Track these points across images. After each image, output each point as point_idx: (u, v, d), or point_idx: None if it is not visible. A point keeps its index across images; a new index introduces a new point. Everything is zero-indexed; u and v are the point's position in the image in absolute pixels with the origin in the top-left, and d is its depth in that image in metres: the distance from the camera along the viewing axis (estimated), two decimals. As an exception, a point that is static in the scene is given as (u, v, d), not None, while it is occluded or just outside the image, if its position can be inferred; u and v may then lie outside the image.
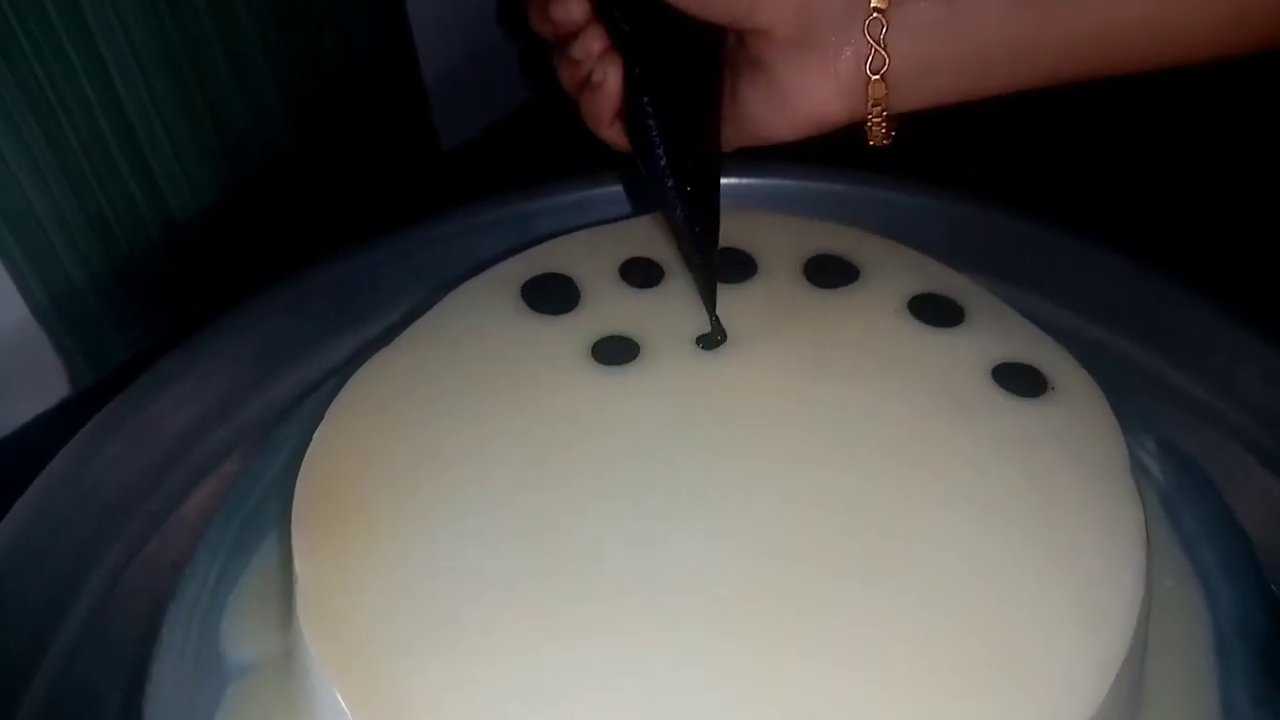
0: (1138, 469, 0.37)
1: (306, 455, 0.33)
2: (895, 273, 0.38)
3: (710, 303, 0.36)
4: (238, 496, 0.38)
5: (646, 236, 0.40)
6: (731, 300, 0.37)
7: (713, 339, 0.36)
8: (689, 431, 0.33)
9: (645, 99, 0.37)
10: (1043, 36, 0.34)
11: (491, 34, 0.61)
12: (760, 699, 0.27)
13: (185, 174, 0.49)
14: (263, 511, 0.37)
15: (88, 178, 0.46)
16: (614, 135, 0.41)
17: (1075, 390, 0.34)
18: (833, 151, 0.40)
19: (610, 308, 0.37)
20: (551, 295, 0.37)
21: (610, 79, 0.39)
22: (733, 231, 0.39)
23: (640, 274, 0.38)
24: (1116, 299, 0.43)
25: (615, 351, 0.35)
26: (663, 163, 0.36)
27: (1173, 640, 0.34)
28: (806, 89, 0.36)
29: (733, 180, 0.46)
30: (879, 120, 0.37)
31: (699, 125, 0.38)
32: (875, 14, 0.35)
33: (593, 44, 0.40)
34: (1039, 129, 0.53)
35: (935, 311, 0.37)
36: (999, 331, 0.36)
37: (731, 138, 0.39)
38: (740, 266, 0.38)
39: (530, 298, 0.37)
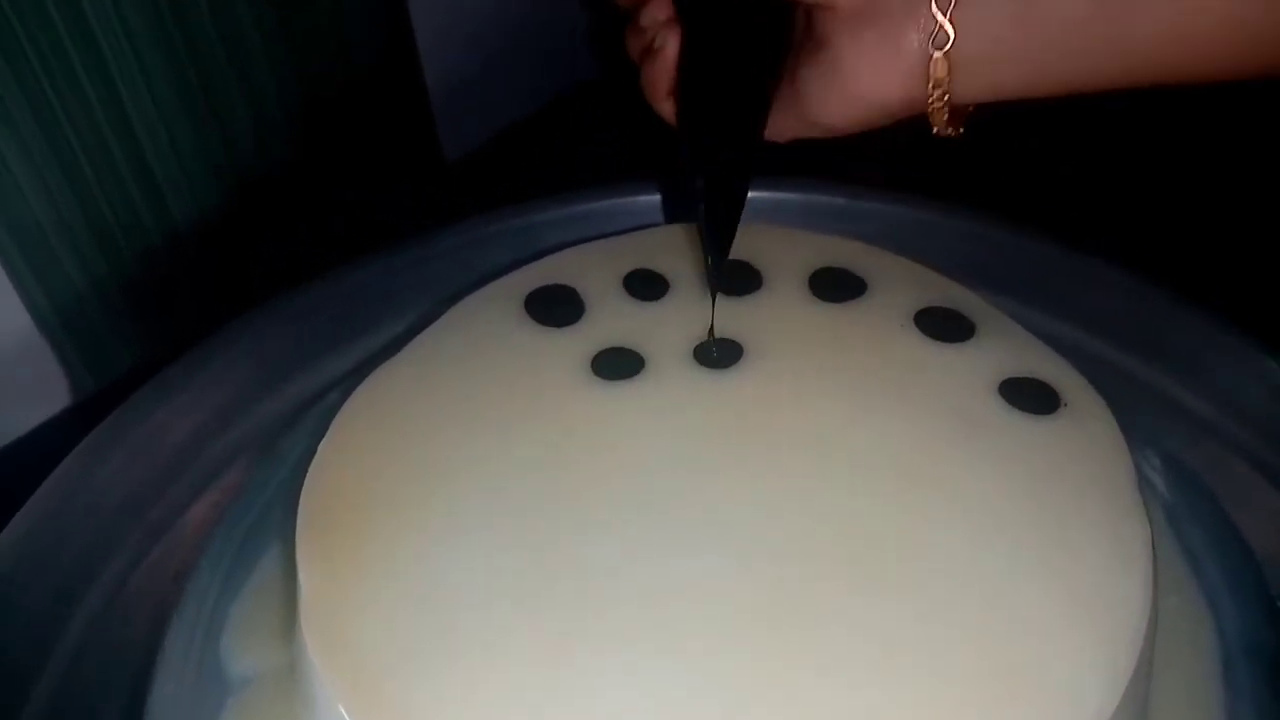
0: (1143, 484, 0.37)
1: (311, 467, 0.33)
2: (902, 287, 0.38)
3: (713, 292, 0.36)
4: (240, 508, 0.38)
5: (651, 249, 0.40)
6: (737, 313, 0.37)
7: (710, 352, 0.35)
8: (693, 444, 0.33)
9: (694, 75, 0.36)
10: (1119, 31, 0.33)
11: (494, 46, 0.61)
12: (765, 714, 0.27)
13: (189, 184, 0.49)
14: (265, 523, 0.37)
15: (91, 187, 0.46)
16: (669, 109, 0.40)
17: (1082, 406, 0.34)
18: (840, 166, 0.40)
19: (614, 320, 0.37)
20: (556, 308, 0.37)
21: (669, 46, 0.39)
22: (739, 244, 0.39)
23: (644, 286, 0.38)
24: (1121, 314, 0.43)
25: (619, 365, 0.35)
26: (696, 147, 0.36)
27: (1178, 657, 0.34)
28: (866, 66, 0.35)
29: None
30: (940, 105, 0.35)
31: (743, 107, 0.37)
32: None
33: (659, 11, 0.40)
34: (1044, 143, 0.53)
35: (941, 326, 0.37)
36: (1005, 347, 0.36)
37: (788, 126, 0.38)
38: (746, 279, 0.38)
39: (534, 310, 0.37)
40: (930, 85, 0.35)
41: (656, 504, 0.31)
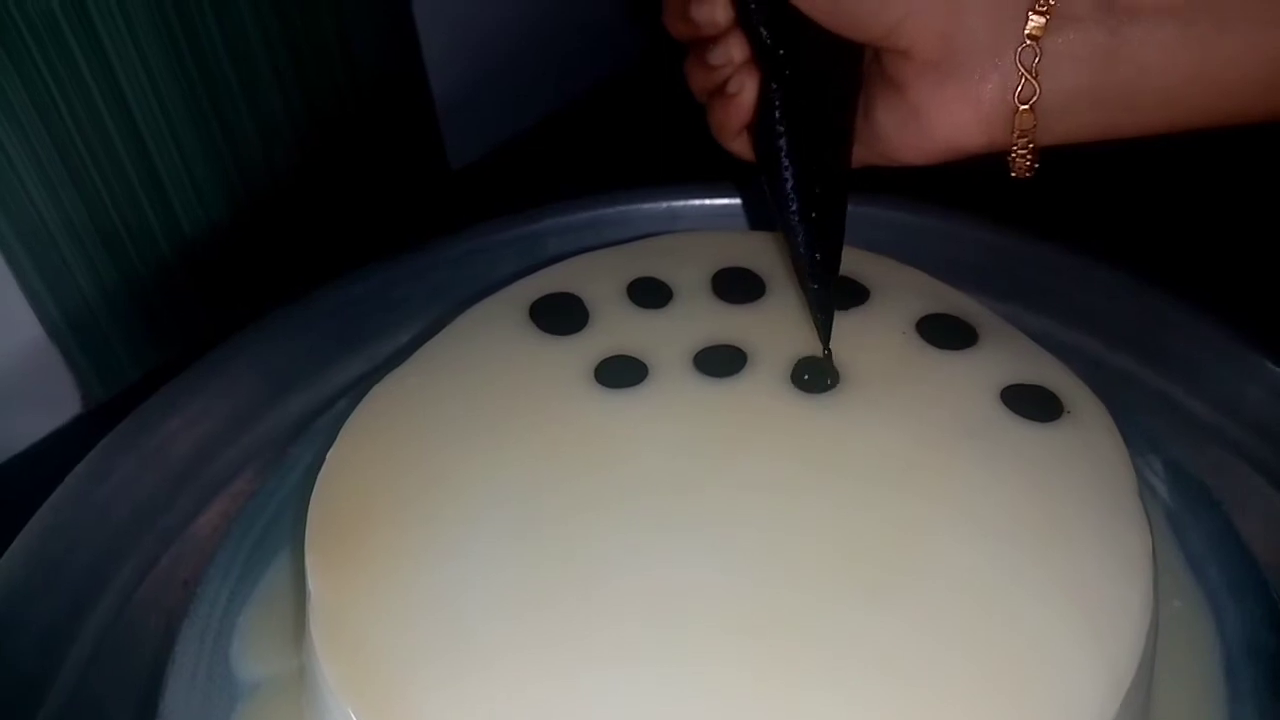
0: (1144, 489, 0.37)
1: (320, 475, 0.33)
2: (904, 294, 0.38)
3: (825, 334, 0.36)
4: (249, 515, 0.38)
5: (654, 257, 0.40)
6: (739, 321, 0.37)
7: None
8: (696, 452, 0.33)
9: (779, 118, 0.36)
10: (1211, 71, 0.32)
11: (499, 56, 0.61)
12: (770, 721, 0.27)
13: (198, 194, 0.50)
14: (274, 531, 0.37)
15: (102, 198, 0.46)
16: (740, 147, 0.40)
17: (1083, 413, 0.35)
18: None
19: (618, 328, 0.37)
20: (560, 316, 0.37)
21: (747, 91, 0.38)
22: (740, 252, 0.40)
23: (648, 294, 0.38)
24: (1122, 318, 0.43)
25: (623, 373, 0.35)
26: (789, 186, 0.36)
27: (1181, 661, 0.34)
28: (945, 116, 0.35)
29: (739, 201, 0.46)
30: (1024, 153, 0.35)
31: (831, 149, 0.37)
32: (1029, 42, 0.33)
33: (734, 51, 0.38)
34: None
35: (944, 333, 0.37)
36: (1007, 354, 0.36)
37: (862, 156, 0.38)
38: (750, 287, 0.38)
39: (539, 318, 0.37)
40: (1015, 135, 0.34)
41: (660, 512, 0.31)
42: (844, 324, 0.37)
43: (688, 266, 0.39)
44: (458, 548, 0.31)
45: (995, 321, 0.38)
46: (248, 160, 0.51)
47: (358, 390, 0.38)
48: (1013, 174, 0.36)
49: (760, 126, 0.37)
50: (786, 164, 0.36)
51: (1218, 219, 0.54)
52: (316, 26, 0.51)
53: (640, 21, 0.66)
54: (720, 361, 0.36)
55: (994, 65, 0.34)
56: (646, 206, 0.47)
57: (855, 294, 0.38)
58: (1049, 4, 0.32)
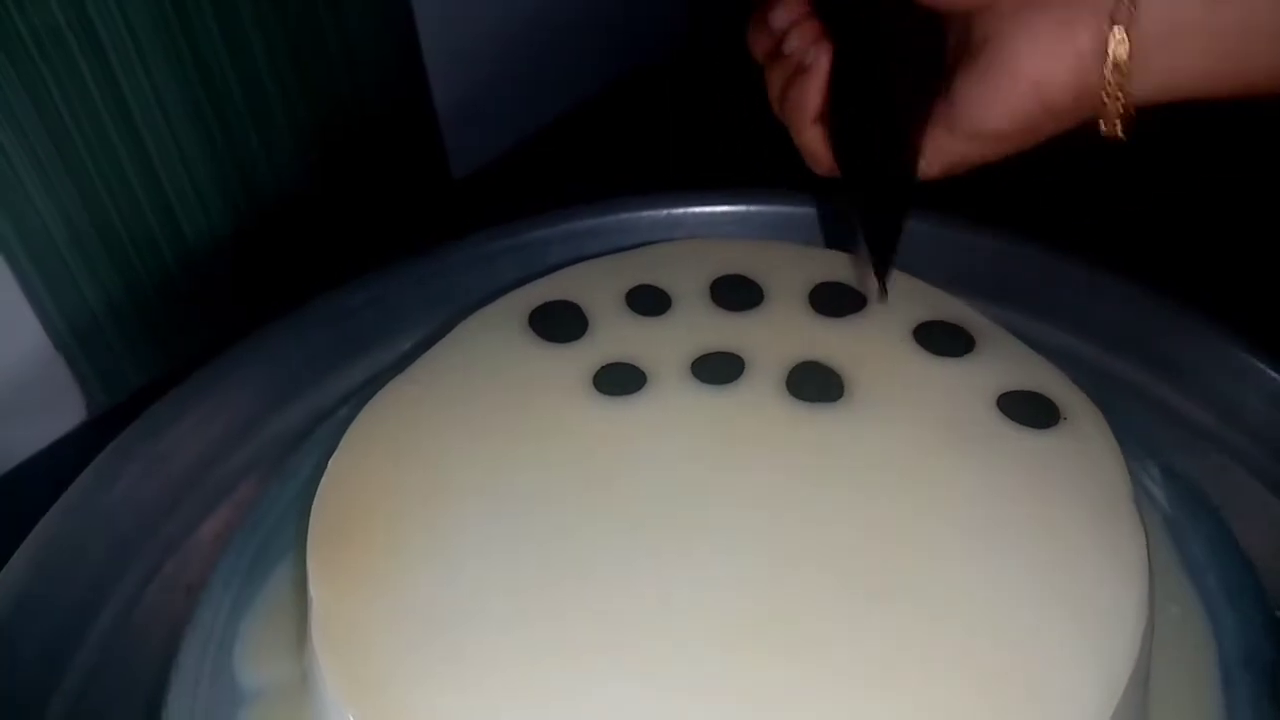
0: (1142, 495, 0.38)
1: (322, 482, 0.33)
2: (901, 301, 0.38)
3: (883, 271, 0.36)
4: (252, 522, 0.38)
5: (653, 265, 0.40)
6: (737, 328, 0.37)
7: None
8: (694, 459, 0.33)
9: (853, 93, 0.36)
10: None
11: (502, 64, 0.61)
12: (767, 726, 0.27)
13: (201, 203, 0.50)
14: (277, 537, 0.37)
15: (106, 207, 0.47)
16: (813, 138, 0.38)
17: (1079, 419, 0.35)
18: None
19: (617, 336, 0.37)
20: (560, 323, 0.38)
21: (821, 61, 0.37)
22: (739, 259, 0.40)
23: (647, 302, 0.39)
24: (1119, 323, 0.43)
25: (621, 380, 0.36)
26: (860, 158, 0.36)
27: (1178, 667, 0.34)
28: (1036, 51, 0.32)
29: (739, 208, 0.47)
30: (1115, 93, 0.32)
31: (903, 134, 0.36)
32: None
33: (807, 34, 0.38)
34: (1041, 150, 0.53)
35: (940, 340, 0.37)
36: (1003, 361, 0.37)
37: (943, 149, 0.36)
38: (747, 294, 0.39)
39: (539, 326, 0.38)
40: (1108, 69, 0.32)
41: (658, 519, 0.32)
42: (841, 331, 0.37)
43: (686, 274, 0.39)
44: (458, 555, 0.31)
45: (992, 328, 0.38)
46: (251, 170, 0.52)
47: (359, 398, 0.38)
48: (1103, 128, 0.34)
49: (834, 106, 0.37)
50: (859, 141, 0.35)
51: (1216, 223, 0.54)
52: (319, 35, 0.51)
53: (642, 30, 0.66)
54: (718, 369, 0.36)
55: (1091, 9, 0.32)
56: (647, 214, 0.47)
57: (852, 301, 0.38)
58: None
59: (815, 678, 0.28)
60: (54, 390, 0.48)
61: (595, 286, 0.39)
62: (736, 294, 0.38)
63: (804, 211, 0.46)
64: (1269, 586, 0.36)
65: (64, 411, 0.49)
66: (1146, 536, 0.32)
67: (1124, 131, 0.34)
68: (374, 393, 0.36)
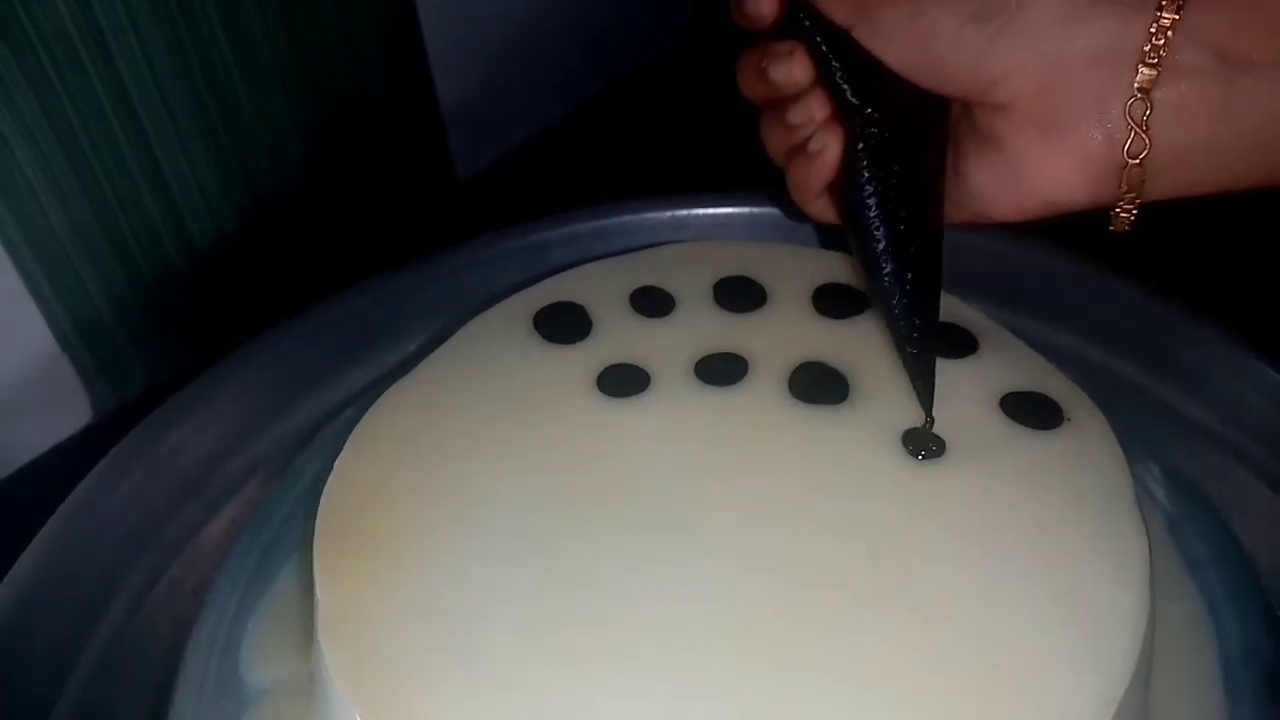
0: (1144, 495, 0.38)
1: (328, 483, 0.33)
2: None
3: (927, 402, 0.34)
4: (258, 523, 0.38)
5: (656, 266, 0.40)
6: (741, 329, 0.37)
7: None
8: (697, 460, 0.33)
9: (868, 177, 0.35)
10: None
11: (506, 65, 0.62)
12: (770, 726, 0.28)
13: (206, 204, 0.50)
14: (282, 538, 0.37)
15: (112, 208, 0.47)
16: (820, 208, 0.38)
17: (1081, 421, 0.35)
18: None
19: (621, 337, 0.37)
20: (564, 325, 0.38)
21: (830, 150, 0.37)
22: (743, 260, 0.40)
23: (650, 303, 0.39)
24: (1122, 324, 0.43)
25: (625, 381, 0.36)
26: (882, 247, 0.35)
27: (1180, 666, 0.34)
28: (1048, 172, 0.34)
29: (741, 209, 0.47)
30: (1128, 208, 0.34)
31: (923, 207, 0.36)
32: (1138, 95, 0.32)
33: (815, 109, 0.37)
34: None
35: (944, 341, 0.37)
36: (1007, 362, 0.37)
37: (952, 215, 0.37)
38: (750, 296, 0.39)
39: (543, 327, 0.38)
40: (1122, 190, 0.33)
41: (662, 520, 0.32)
42: (843, 333, 0.37)
43: (690, 275, 0.39)
44: (464, 555, 0.31)
45: (995, 329, 0.38)
46: (256, 171, 0.52)
47: (365, 399, 0.38)
48: (1111, 228, 0.35)
49: (847, 186, 0.36)
50: (878, 224, 0.35)
51: (1217, 224, 0.54)
52: (323, 36, 0.52)
53: (647, 30, 0.66)
54: (722, 370, 0.36)
55: (1101, 119, 0.32)
56: (650, 216, 0.47)
57: (855, 303, 0.38)
58: (1159, 56, 0.31)
59: (817, 679, 0.28)
60: (60, 391, 0.49)
61: (599, 288, 0.39)
62: (739, 295, 0.39)
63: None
64: (1270, 586, 0.36)
65: (70, 412, 0.49)
66: (1149, 538, 0.32)
67: (1129, 228, 0.35)
68: (379, 394, 0.36)
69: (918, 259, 0.35)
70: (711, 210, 0.47)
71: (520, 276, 0.43)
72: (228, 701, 0.34)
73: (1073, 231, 0.46)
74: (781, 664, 0.29)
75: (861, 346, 0.37)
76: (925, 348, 0.35)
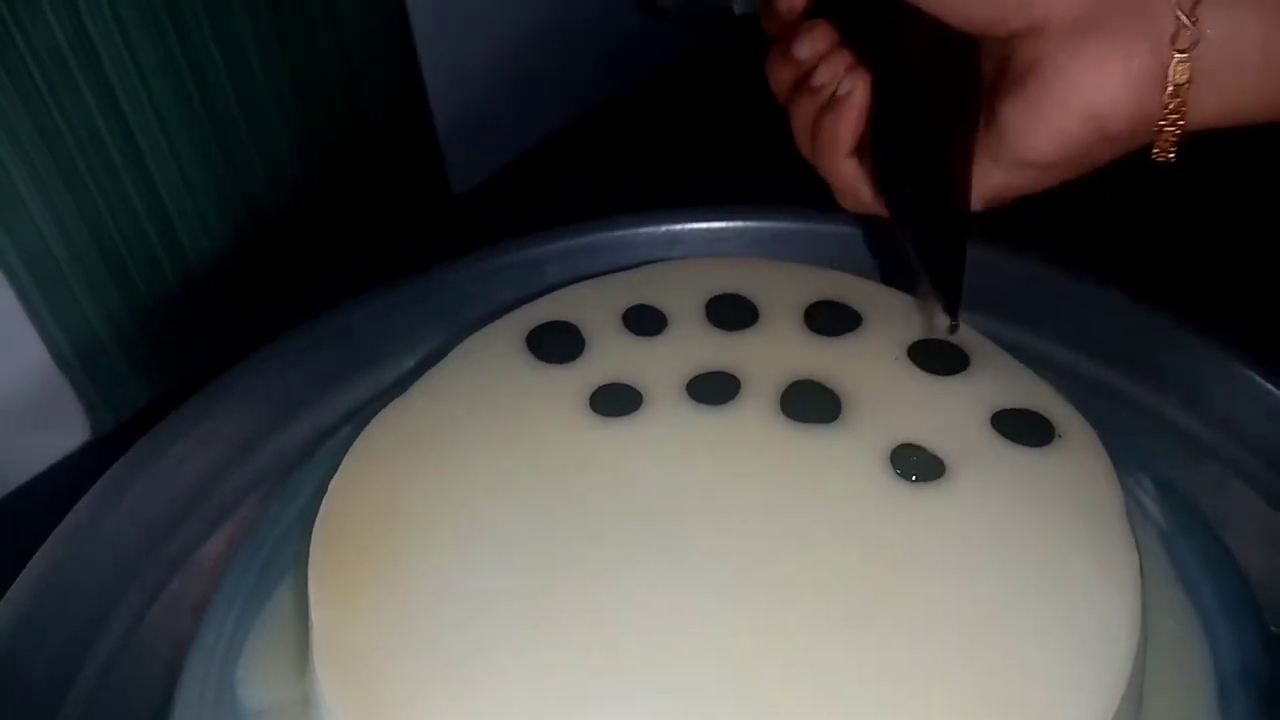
0: (1137, 510, 0.38)
1: (323, 504, 0.34)
2: (896, 319, 0.38)
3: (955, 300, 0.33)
4: (255, 541, 0.38)
5: (649, 285, 0.40)
6: (733, 348, 0.37)
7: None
8: (689, 479, 0.34)
9: (895, 108, 0.34)
10: None
11: (501, 81, 0.62)
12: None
13: (202, 221, 0.50)
14: (279, 556, 0.37)
15: (107, 227, 0.47)
16: (848, 171, 0.37)
17: (1073, 437, 0.35)
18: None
19: (613, 356, 0.38)
20: (557, 344, 0.38)
21: (858, 91, 0.35)
22: (734, 279, 0.40)
23: (643, 322, 0.39)
24: (1115, 336, 0.43)
25: (618, 401, 0.36)
26: (909, 191, 0.34)
27: (1174, 681, 0.34)
28: (1090, 76, 0.31)
29: (734, 224, 0.47)
30: (1174, 118, 0.31)
31: (950, 157, 0.35)
32: None
33: (838, 65, 0.36)
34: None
35: (936, 358, 0.37)
36: (997, 378, 0.37)
37: (990, 178, 0.35)
38: (742, 314, 0.39)
39: (536, 347, 0.38)
40: (1167, 94, 0.31)
41: (655, 539, 0.32)
42: (836, 350, 0.37)
43: (682, 294, 0.40)
44: (457, 576, 0.31)
45: (987, 345, 0.38)
46: (252, 189, 0.52)
47: (361, 415, 0.38)
48: (1155, 151, 0.33)
49: (876, 136, 0.35)
50: (919, 165, 0.34)
51: (1211, 236, 0.55)
52: (318, 52, 0.52)
53: (641, 43, 0.66)
54: (714, 389, 0.36)
55: (1145, 12, 0.30)
56: (645, 231, 0.47)
57: (848, 321, 0.38)
58: None
59: (809, 695, 0.29)
60: (58, 410, 0.49)
61: (592, 306, 0.39)
62: (732, 313, 0.39)
63: (803, 227, 0.47)
64: (1265, 601, 0.36)
65: (68, 431, 0.49)
66: (1140, 555, 0.32)
67: (1173, 152, 0.33)
68: (374, 413, 0.37)
69: (944, 213, 0.34)
70: (705, 225, 0.47)
71: (516, 291, 0.43)
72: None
73: (1066, 243, 0.46)
74: (771, 680, 0.29)
75: (853, 364, 0.37)
76: (951, 296, 0.33)
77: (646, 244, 0.47)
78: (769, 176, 0.41)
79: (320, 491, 0.34)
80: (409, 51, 0.56)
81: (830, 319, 0.38)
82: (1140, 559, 0.32)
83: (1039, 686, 0.29)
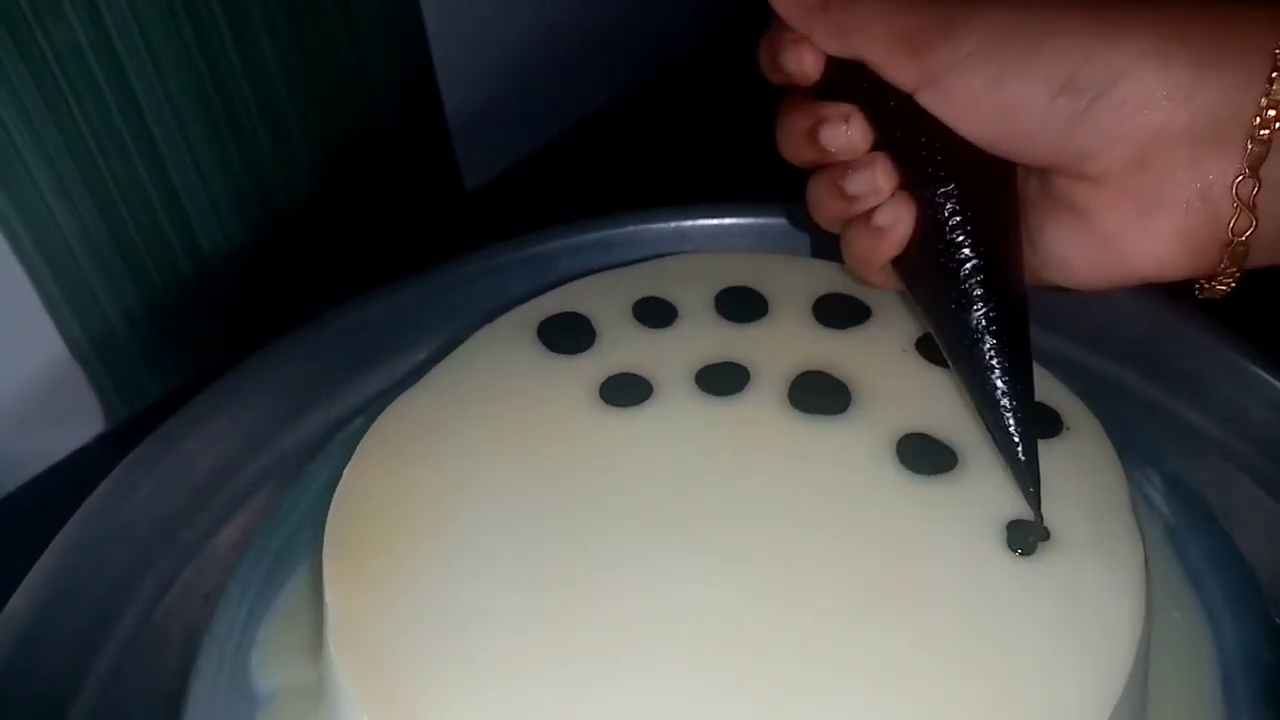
0: (1143, 503, 0.38)
1: (337, 491, 0.34)
2: (904, 312, 0.38)
3: (1033, 488, 0.32)
4: (269, 530, 0.39)
5: (659, 277, 0.41)
6: (742, 339, 0.38)
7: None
8: (698, 470, 0.34)
9: (955, 253, 0.33)
10: None
11: (513, 78, 0.62)
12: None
13: (217, 215, 0.51)
14: (292, 546, 0.38)
15: (124, 219, 0.47)
16: (882, 278, 0.36)
17: (1079, 428, 0.35)
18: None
19: (624, 347, 0.38)
20: (568, 335, 0.38)
21: (902, 224, 0.34)
22: (744, 271, 0.40)
23: (653, 314, 0.39)
24: (1123, 331, 0.43)
25: (628, 391, 0.36)
26: (976, 321, 0.32)
27: (1178, 672, 0.34)
28: (1144, 249, 0.31)
29: (742, 220, 0.47)
30: (1227, 281, 0.32)
31: (1010, 277, 0.33)
32: (1246, 173, 0.29)
33: (881, 179, 0.34)
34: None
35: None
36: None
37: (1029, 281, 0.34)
38: (752, 306, 0.39)
39: (548, 338, 0.38)
40: (1222, 265, 0.31)
41: (664, 528, 0.32)
42: (845, 343, 0.38)
43: (692, 286, 0.40)
44: (470, 562, 0.32)
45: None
46: (266, 183, 0.52)
47: (373, 408, 0.39)
48: (1201, 294, 0.33)
49: (927, 264, 0.34)
50: (969, 300, 0.32)
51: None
52: (333, 50, 0.52)
53: (651, 39, 0.67)
54: (723, 380, 0.36)
55: (1204, 198, 0.30)
56: (656, 226, 0.48)
57: (856, 313, 0.39)
58: (1270, 129, 0.29)
59: (815, 685, 0.29)
60: (73, 401, 0.49)
61: (603, 299, 0.39)
62: (741, 306, 0.39)
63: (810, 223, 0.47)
64: (1270, 593, 0.37)
65: (83, 422, 0.50)
66: (1145, 547, 0.32)
67: (1225, 296, 0.33)
68: (388, 404, 0.37)
69: (1012, 332, 0.33)
70: (715, 221, 0.47)
71: (526, 286, 0.43)
72: (239, 706, 0.34)
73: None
74: (780, 668, 0.29)
75: (862, 355, 0.37)
76: (1028, 433, 0.32)
77: (658, 239, 0.47)
78: (777, 175, 0.41)
79: (332, 482, 0.34)
80: (422, 50, 0.57)
81: (839, 311, 0.38)
82: (1146, 551, 0.32)
83: (1043, 676, 0.29)
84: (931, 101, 0.32)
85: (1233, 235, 0.31)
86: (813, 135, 0.34)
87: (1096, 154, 0.31)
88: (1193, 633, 0.36)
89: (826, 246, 0.43)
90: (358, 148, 0.56)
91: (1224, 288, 0.33)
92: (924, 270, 0.34)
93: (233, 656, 0.35)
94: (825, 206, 0.35)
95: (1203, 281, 0.33)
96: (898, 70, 0.32)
